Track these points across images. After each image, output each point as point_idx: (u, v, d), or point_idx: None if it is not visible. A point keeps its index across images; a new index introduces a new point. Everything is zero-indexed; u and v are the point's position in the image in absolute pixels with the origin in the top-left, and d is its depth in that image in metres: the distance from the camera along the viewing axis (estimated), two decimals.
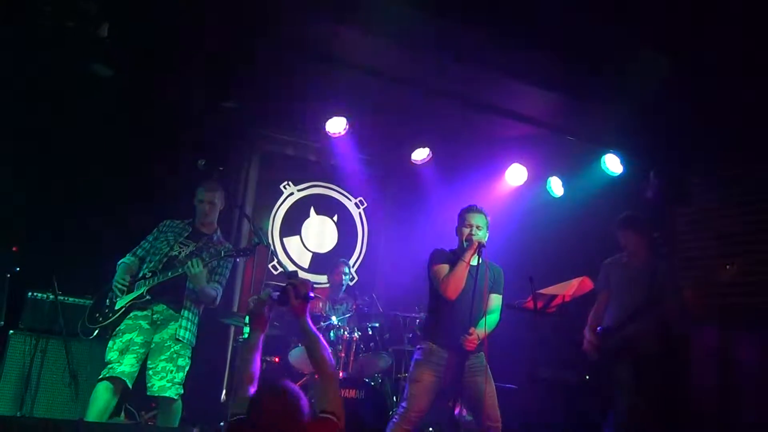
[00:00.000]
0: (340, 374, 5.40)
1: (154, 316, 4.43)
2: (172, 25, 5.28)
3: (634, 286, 5.04)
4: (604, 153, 6.42)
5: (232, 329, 6.54)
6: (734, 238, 5.79)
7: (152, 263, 4.51)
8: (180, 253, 4.54)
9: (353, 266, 7.56)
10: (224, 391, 6.42)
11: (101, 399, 4.21)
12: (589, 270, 5.52)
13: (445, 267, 4.28)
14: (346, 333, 5.50)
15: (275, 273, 6.82)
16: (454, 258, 4.31)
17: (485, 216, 4.43)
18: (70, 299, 5.34)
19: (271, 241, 7.24)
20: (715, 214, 6.08)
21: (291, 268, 7.25)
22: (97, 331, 4.43)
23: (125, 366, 4.27)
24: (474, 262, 4.28)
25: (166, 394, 4.31)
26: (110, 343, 4.37)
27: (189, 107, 6.30)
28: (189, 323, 4.49)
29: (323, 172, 7.66)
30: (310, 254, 7.48)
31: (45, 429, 3.21)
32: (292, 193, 7.49)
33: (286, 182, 7.47)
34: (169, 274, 4.38)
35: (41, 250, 5.63)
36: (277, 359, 5.84)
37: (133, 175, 6.14)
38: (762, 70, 4.88)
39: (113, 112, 5.94)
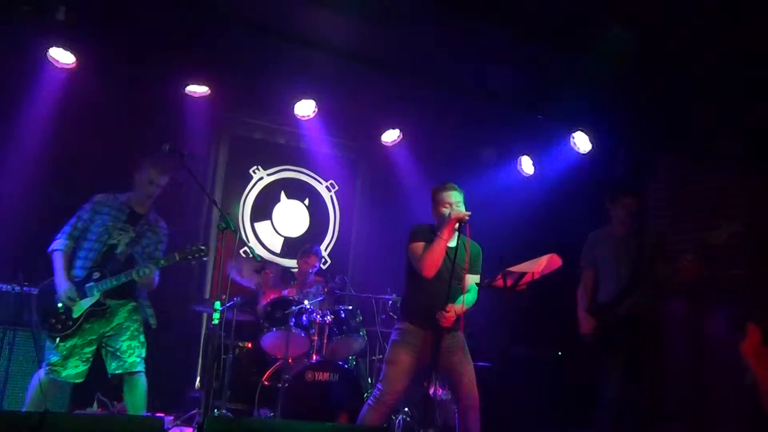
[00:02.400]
0: (314, 357, 5.38)
1: (107, 312, 4.37)
2: (135, 8, 5.17)
3: (626, 257, 4.91)
4: (573, 131, 6.45)
5: (205, 316, 6.49)
6: (703, 212, 5.86)
7: (93, 253, 4.36)
8: (119, 241, 4.41)
9: (326, 249, 7.53)
10: (198, 379, 6.38)
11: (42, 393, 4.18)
12: (559, 247, 5.52)
13: (422, 244, 4.17)
14: (318, 316, 5.45)
15: (246, 258, 6.75)
16: (433, 235, 4.17)
17: (461, 191, 4.29)
18: (36, 290, 5.23)
19: (241, 227, 7.17)
20: (685, 189, 6.16)
21: (262, 252, 7.21)
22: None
23: (70, 369, 4.25)
24: (454, 240, 4.14)
25: (137, 369, 4.34)
26: (49, 342, 4.28)
27: (154, 91, 6.19)
28: (141, 306, 4.50)
29: (293, 156, 7.58)
30: (282, 239, 7.43)
31: (11, 421, 3.14)
32: (261, 178, 7.42)
33: (255, 167, 7.39)
34: (123, 278, 4.28)
35: (6, 241, 5.52)
36: (249, 345, 5.80)
37: (97, 163, 6.01)
38: (731, 47, 4.89)
39: (75, 99, 5.81)
